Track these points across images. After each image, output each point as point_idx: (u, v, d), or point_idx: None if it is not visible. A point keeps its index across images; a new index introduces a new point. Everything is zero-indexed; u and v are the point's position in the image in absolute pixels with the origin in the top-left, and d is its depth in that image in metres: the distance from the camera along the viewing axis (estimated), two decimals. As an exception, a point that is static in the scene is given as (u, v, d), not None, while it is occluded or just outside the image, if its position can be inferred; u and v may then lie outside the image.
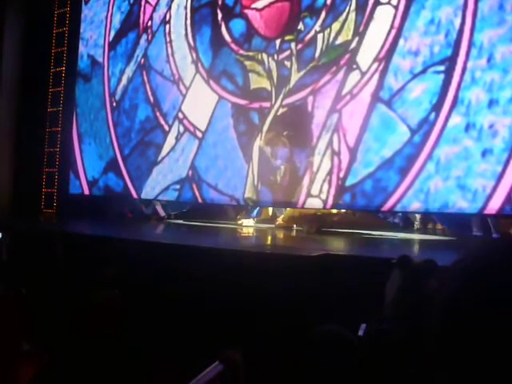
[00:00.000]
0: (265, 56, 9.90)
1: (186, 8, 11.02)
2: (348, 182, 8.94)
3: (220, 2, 10.56)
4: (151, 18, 11.57)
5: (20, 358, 2.81)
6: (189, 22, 10.95)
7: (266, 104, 9.81)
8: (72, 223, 10.41)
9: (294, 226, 10.03)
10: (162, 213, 12.04)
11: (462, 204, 8.08)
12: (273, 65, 9.78)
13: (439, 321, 0.98)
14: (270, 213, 11.12)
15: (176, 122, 10.98)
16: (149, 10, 11.63)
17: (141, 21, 11.73)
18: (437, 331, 0.98)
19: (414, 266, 2.69)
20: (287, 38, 9.67)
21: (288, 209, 10.34)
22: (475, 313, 0.92)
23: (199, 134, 10.64)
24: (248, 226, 10.61)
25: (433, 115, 8.00)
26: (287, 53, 9.65)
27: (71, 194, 12.34)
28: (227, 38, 10.42)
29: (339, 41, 9.08)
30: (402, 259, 2.73)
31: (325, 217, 9.89)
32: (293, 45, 9.58)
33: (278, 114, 9.67)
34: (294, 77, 9.51)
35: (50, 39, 12.81)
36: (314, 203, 9.37)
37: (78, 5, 12.80)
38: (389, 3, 8.56)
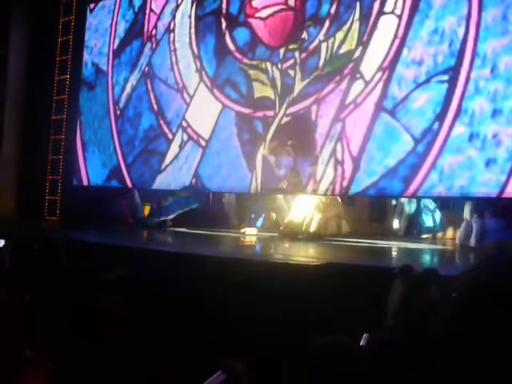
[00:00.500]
0: (269, 65, 9.92)
1: (190, 17, 11.06)
2: (351, 191, 8.94)
3: (224, 11, 10.60)
4: (155, 26, 11.61)
5: (23, 365, 2.81)
6: (193, 30, 10.99)
7: (270, 113, 9.82)
8: (75, 230, 10.39)
9: (298, 234, 10.02)
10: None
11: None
12: (277, 74, 9.80)
13: (449, 330, 0.98)
14: (273, 221, 11.11)
15: (180, 131, 11.00)
16: (153, 18, 11.67)
17: (145, 29, 11.78)
18: (445, 340, 0.98)
19: (416, 275, 2.69)
20: (291, 46, 9.70)
21: (287, 218, 10.35)
22: (488, 322, 0.92)
23: (203, 143, 10.65)
24: (251, 234, 10.58)
25: (436, 125, 8.00)
26: (291, 62, 9.66)
27: (75, 186, 12.35)
28: (231, 46, 10.45)
29: (343, 50, 9.09)
30: (404, 269, 2.73)
31: (324, 226, 9.91)
32: (297, 54, 9.60)
33: (282, 122, 9.68)
34: (298, 86, 9.52)
35: (54, 47, 12.86)
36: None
37: (83, 13, 12.86)
38: (392, 13, 8.58)
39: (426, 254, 8.98)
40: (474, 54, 7.73)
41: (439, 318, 1.02)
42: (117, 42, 12.25)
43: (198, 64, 10.85)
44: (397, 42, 8.47)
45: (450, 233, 10.59)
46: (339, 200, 10.21)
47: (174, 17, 11.32)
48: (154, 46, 11.62)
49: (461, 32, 7.88)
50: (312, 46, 9.42)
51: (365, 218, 12.01)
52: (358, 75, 8.83)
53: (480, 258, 1.06)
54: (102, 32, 12.54)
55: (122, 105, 11.99)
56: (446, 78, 7.98)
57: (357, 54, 8.90)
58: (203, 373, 2.38)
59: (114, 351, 2.58)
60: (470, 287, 0.99)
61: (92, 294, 3.43)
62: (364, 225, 11.53)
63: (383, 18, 8.69)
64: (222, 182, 10.36)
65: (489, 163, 7.61)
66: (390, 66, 8.51)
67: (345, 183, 8.91)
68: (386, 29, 8.62)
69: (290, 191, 9.91)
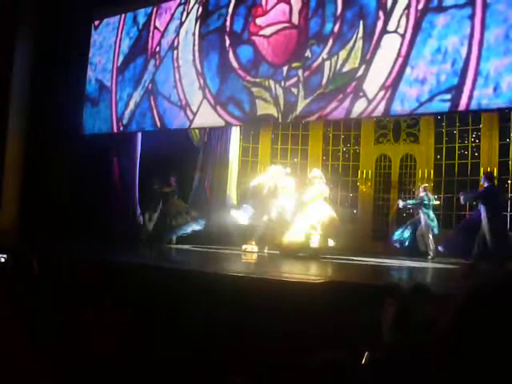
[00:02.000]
0: (272, 82, 9.95)
1: (194, 34, 11.11)
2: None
3: (228, 29, 10.64)
4: (159, 43, 11.67)
5: (26, 381, 2.79)
6: (197, 47, 11.04)
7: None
8: (80, 245, 10.32)
9: (298, 252, 9.98)
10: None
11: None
12: (280, 91, 9.83)
13: (450, 346, 0.97)
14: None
15: (182, 147, 11.04)
16: (157, 35, 11.73)
17: (149, 46, 11.83)
18: (446, 356, 0.97)
19: (406, 293, 2.67)
20: (294, 64, 9.73)
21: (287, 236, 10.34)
22: (491, 338, 0.91)
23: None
24: (252, 252, 10.50)
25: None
26: (294, 80, 9.69)
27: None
28: (235, 64, 10.48)
29: (346, 68, 9.11)
30: (390, 287, 2.71)
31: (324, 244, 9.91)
32: (300, 72, 9.62)
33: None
34: (301, 103, 9.54)
35: (58, 63, 12.87)
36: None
37: (87, 30, 12.92)
38: (396, 32, 8.60)
39: (426, 272, 8.96)
40: (477, 73, 7.74)
41: (439, 335, 1.01)
42: (121, 58, 12.30)
43: (202, 81, 10.88)
44: (400, 60, 8.50)
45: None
46: (335, 217, 10.19)
47: (177, 34, 11.37)
48: (157, 62, 11.67)
49: (464, 51, 7.90)
50: (315, 64, 9.45)
51: (368, 236, 12.01)
52: (361, 93, 8.84)
53: (481, 278, 1.05)
54: (106, 49, 12.60)
55: (125, 121, 12.03)
56: (448, 97, 7.98)
57: (360, 72, 8.92)
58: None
59: (121, 368, 2.57)
60: (473, 304, 0.98)
61: (96, 310, 3.41)
62: (367, 243, 11.52)
63: (386, 37, 8.72)
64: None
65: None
66: (393, 85, 8.52)
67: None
68: (389, 47, 8.65)
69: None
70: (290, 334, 4.71)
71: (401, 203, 11.18)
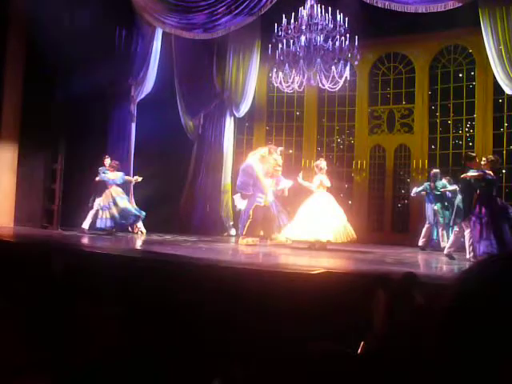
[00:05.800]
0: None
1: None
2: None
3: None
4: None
5: (19, 377, 2.80)
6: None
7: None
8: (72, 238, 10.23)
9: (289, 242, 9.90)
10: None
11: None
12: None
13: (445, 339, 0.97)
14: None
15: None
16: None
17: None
18: (440, 351, 0.97)
19: (396, 283, 2.67)
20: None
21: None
22: (485, 331, 0.92)
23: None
24: (250, 244, 10.25)
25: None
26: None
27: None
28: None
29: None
30: (382, 279, 2.72)
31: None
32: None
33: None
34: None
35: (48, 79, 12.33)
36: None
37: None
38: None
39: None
40: None
41: (431, 327, 1.01)
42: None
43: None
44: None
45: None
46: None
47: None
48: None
49: None
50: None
51: (363, 226, 12.02)
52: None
53: (472, 268, 1.06)
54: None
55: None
56: None
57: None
58: (201, 380, 2.38)
59: (115, 363, 2.58)
60: (466, 297, 0.98)
61: (93, 306, 3.42)
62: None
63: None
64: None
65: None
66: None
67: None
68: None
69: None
70: (287, 325, 4.74)
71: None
